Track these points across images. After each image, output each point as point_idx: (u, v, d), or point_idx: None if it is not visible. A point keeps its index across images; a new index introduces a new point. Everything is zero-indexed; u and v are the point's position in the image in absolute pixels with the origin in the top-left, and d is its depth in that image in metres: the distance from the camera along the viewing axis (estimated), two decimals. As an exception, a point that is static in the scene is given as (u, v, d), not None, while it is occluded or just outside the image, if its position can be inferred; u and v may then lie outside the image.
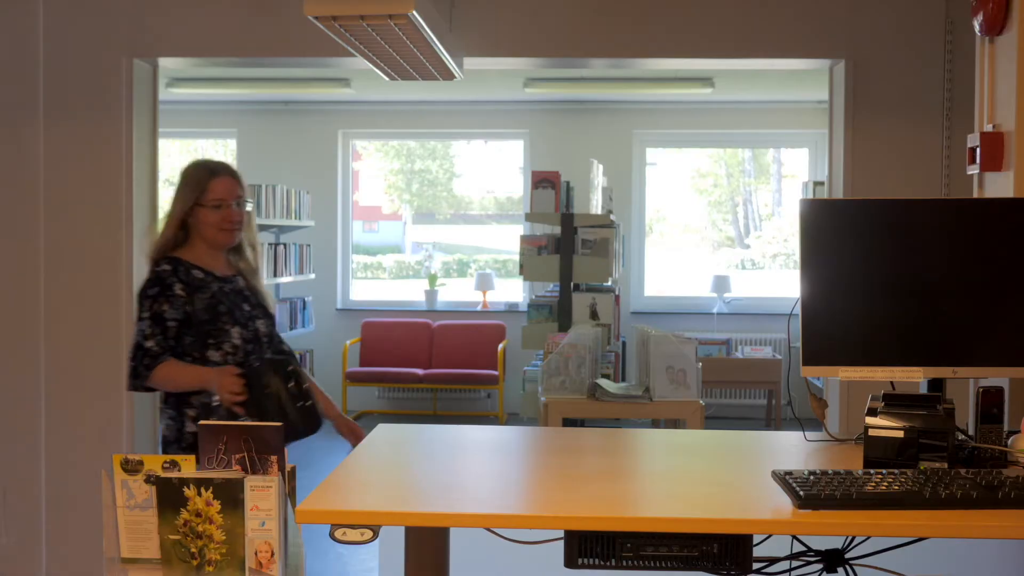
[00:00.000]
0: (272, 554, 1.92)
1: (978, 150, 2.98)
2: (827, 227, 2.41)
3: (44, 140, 4.57)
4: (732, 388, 9.07)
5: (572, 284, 6.06)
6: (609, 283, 6.38)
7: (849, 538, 2.34)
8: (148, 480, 1.98)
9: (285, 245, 8.40)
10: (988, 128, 3.02)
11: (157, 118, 4.82)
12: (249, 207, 3.37)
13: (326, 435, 3.34)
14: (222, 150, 10.68)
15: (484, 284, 9.93)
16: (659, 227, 10.61)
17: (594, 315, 5.94)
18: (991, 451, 2.26)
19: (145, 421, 4.72)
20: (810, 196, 8.24)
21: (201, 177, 3.27)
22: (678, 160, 10.50)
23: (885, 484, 1.98)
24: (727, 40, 4.54)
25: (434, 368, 9.39)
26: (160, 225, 3.35)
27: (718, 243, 11.13)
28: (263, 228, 7.73)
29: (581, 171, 6.89)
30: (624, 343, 6.74)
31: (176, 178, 3.33)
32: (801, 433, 2.57)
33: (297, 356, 3.53)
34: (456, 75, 4.50)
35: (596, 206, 6.63)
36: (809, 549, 2.37)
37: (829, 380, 4.75)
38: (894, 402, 2.27)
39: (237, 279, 3.35)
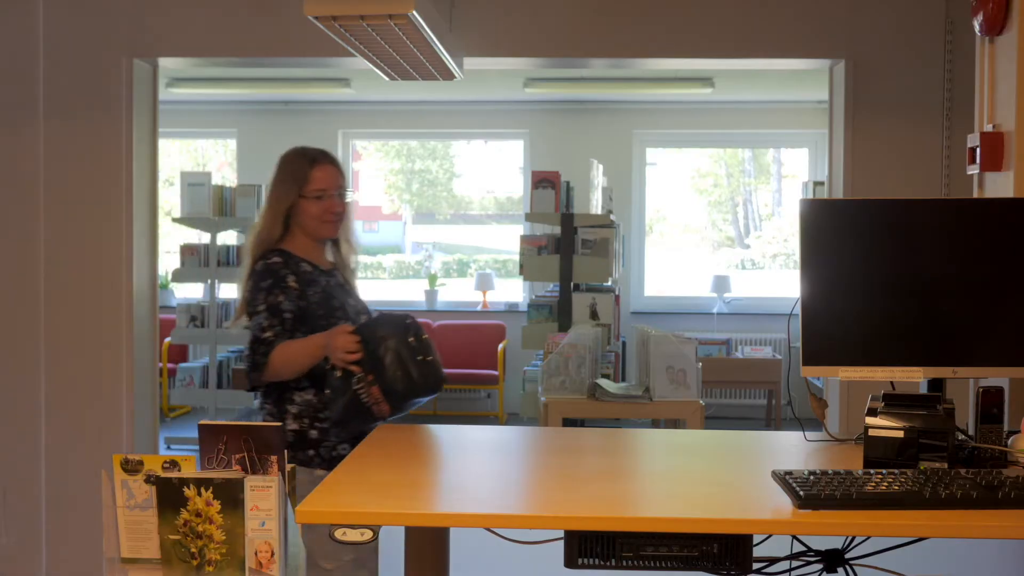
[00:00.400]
0: (272, 554, 1.92)
1: (978, 150, 2.98)
2: (827, 227, 2.41)
3: (44, 140, 4.56)
4: (732, 388, 9.07)
5: (572, 284, 6.06)
6: (609, 283, 6.38)
7: (849, 538, 2.34)
8: (148, 480, 1.98)
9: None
10: (988, 128, 3.02)
11: (157, 118, 4.81)
12: (350, 197, 3.23)
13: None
14: (222, 150, 10.67)
15: (484, 284, 9.93)
16: (659, 227, 10.61)
17: (594, 315, 5.94)
18: (991, 451, 2.26)
19: (145, 421, 4.72)
20: (810, 196, 8.24)
21: (301, 167, 3.14)
22: (678, 160, 10.50)
23: (885, 484, 1.98)
24: (727, 40, 4.54)
25: (434, 368, 9.38)
26: (258, 219, 3.19)
27: (718, 243, 11.13)
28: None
29: (581, 171, 6.89)
30: (624, 343, 6.74)
31: (275, 169, 3.18)
32: (801, 433, 2.57)
33: None
34: (456, 75, 4.50)
35: (596, 206, 6.63)
36: (809, 549, 2.37)
37: (829, 380, 4.75)
38: (894, 402, 2.27)
39: (337, 273, 3.24)
